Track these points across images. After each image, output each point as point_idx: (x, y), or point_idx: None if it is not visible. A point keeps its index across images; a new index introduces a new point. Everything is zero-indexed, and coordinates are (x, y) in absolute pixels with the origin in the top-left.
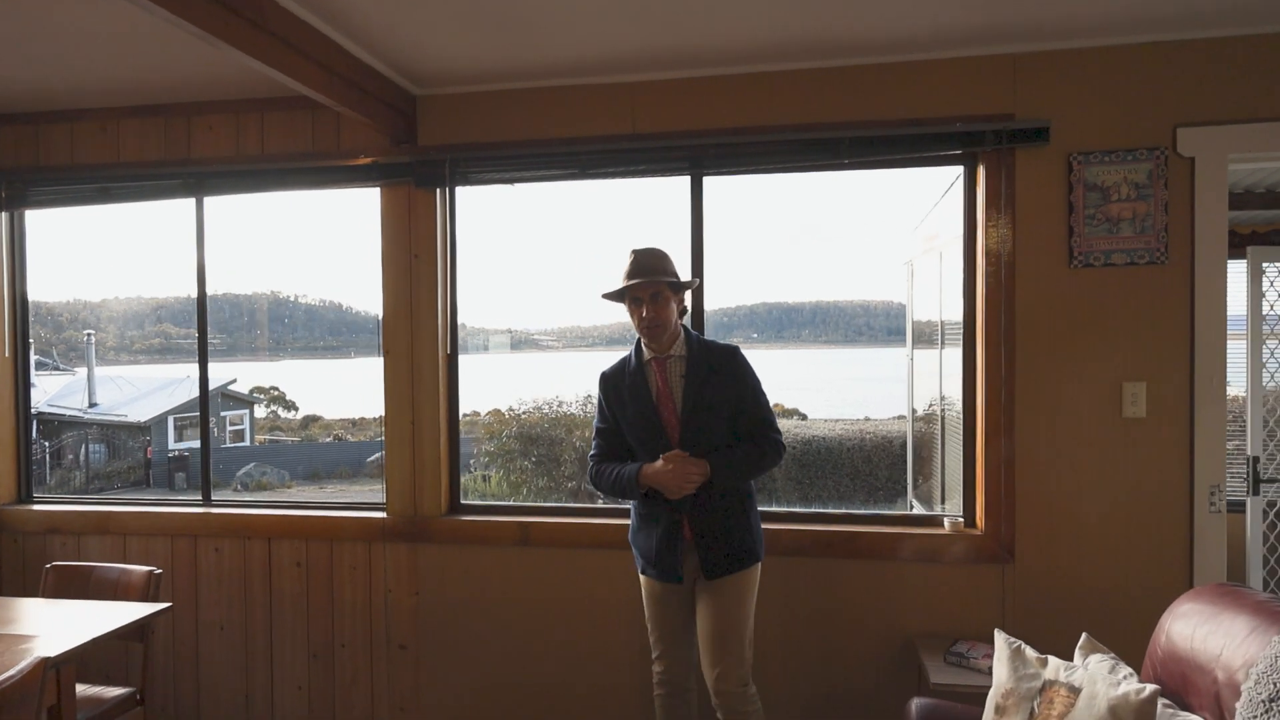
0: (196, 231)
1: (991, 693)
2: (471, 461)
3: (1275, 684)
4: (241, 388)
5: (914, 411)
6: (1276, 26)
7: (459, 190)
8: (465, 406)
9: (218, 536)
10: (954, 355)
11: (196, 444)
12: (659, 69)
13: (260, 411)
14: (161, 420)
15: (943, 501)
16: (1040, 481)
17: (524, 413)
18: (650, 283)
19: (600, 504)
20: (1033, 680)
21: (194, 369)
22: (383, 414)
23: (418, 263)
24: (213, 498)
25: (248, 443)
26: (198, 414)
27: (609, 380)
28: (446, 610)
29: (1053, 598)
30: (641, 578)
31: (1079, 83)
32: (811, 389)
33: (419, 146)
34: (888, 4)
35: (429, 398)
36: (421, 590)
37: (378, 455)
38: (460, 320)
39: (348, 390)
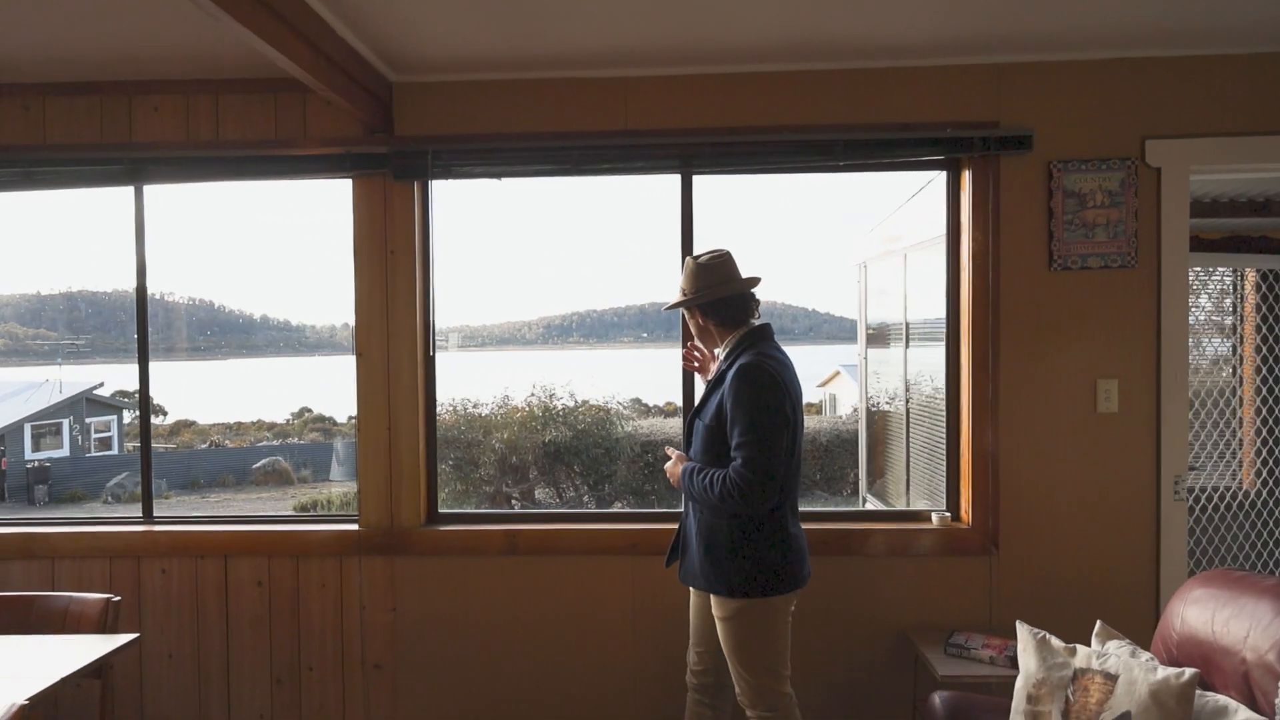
0: (136, 223)
1: (1020, 683)
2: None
3: None
4: (106, 391)
5: (869, 411)
6: (1234, 49)
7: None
8: None
9: (164, 556)
10: (922, 354)
11: (59, 453)
12: (654, 65)
13: (128, 417)
14: (16, 428)
15: (907, 496)
16: (1022, 475)
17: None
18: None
19: (593, 508)
20: (1063, 669)
21: (53, 371)
22: (271, 416)
23: (394, 259)
24: (154, 513)
25: (116, 451)
26: (60, 421)
27: None
28: (426, 627)
29: (1035, 586)
30: None
31: (1058, 93)
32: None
33: (397, 136)
34: (884, 9)
35: (407, 401)
36: (399, 606)
37: (265, 461)
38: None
39: (222, 394)
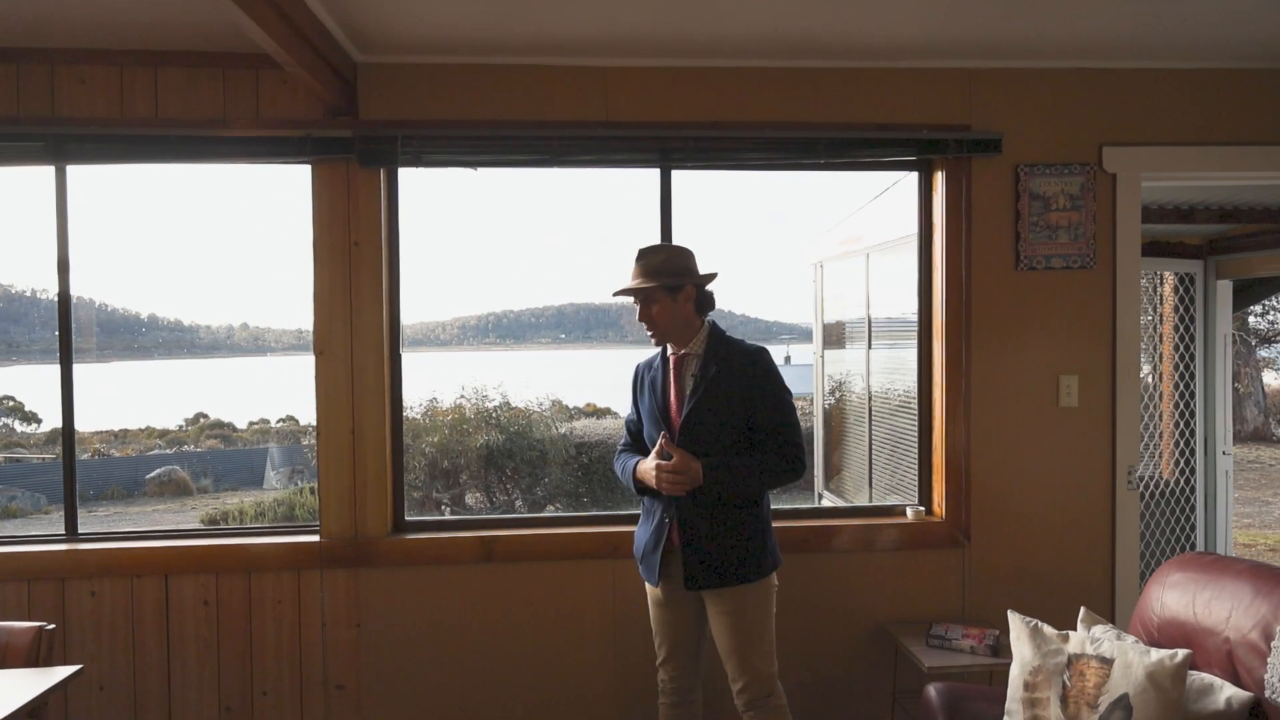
0: (57, 207)
1: (1016, 671)
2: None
3: None
4: None
5: (826, 408)
6: (1183, 64)
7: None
8: (306, 414)
9: (94, 577)
10: (885, 353)
11: None
12: (635, 55)
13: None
14: None
15: (870, 492)
16: (991, 468)
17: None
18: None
19: (571, 512)
20: (1058, 656)
21: None
22: (162, 423)
23: (358, 251)
24: (79, 529)
25: None
26: None
27: (639, 372)
28: (394, 642)
29: (1004, 575)
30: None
31: (1025, 99)
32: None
33: (362, 120)
34: (868, 9)
35: (373, 402)
36: (364, 621)
37: (161, 471)
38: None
39: (105, 399)
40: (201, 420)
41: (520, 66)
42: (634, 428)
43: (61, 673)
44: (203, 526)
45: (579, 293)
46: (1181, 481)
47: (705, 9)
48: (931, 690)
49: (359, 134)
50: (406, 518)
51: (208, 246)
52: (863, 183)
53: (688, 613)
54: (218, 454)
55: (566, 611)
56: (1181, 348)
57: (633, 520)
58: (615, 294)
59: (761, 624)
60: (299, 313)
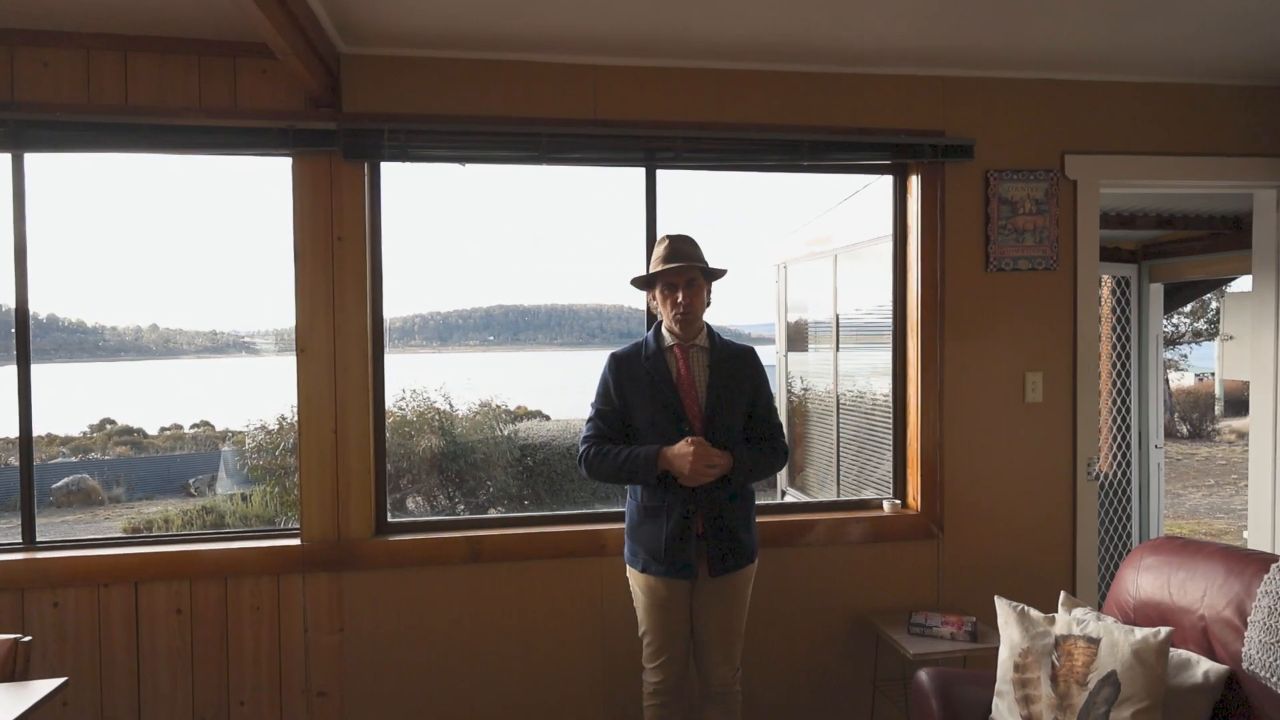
0: (14, 197)
1: (1005, 654)
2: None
3: None
4: None
5: (789, 407)
6: (1140, 77)
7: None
8: (233, 418)
9: (56, 586)
10: (853, 353)
11: None
12: (625, 54)
13: None
14: None
15: (838, 488)
16: (962, 462)
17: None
18: (688, 267)
19: (558, 510)
20: (1046, 638)
21: None
22: (64, 430)
23: (342, 246)
24: (37, 537)
25: None
26: None
27: (622, 361)
28: (379, 646)
29: (976, 563)
30: (641, 578)
31: (995, 107)
32: (559, 390)
33: (347, 112)
34: (854, 16)
35: (356, 401)
36: (347, 626)
37: (68, 480)
38: (223, 323)
39: None
40: (108, 426)
41: (509, 62)
42: (608, 420)
43: (44, 687)
44: (177, 532)
45: (508, 295)
46: (1118, 474)
47: (695, 10)
48: (923, 675)
49: (344, 126)
50: (389, 520)
51: (115, 243)
52: (829, 185)
53: (685, 610)
54: (129, 461)
55: (554, 611)
56: (1118, 347)
57: (615, 518)
58: (634, 282)
59: (746, 606)
60: (215, 313)
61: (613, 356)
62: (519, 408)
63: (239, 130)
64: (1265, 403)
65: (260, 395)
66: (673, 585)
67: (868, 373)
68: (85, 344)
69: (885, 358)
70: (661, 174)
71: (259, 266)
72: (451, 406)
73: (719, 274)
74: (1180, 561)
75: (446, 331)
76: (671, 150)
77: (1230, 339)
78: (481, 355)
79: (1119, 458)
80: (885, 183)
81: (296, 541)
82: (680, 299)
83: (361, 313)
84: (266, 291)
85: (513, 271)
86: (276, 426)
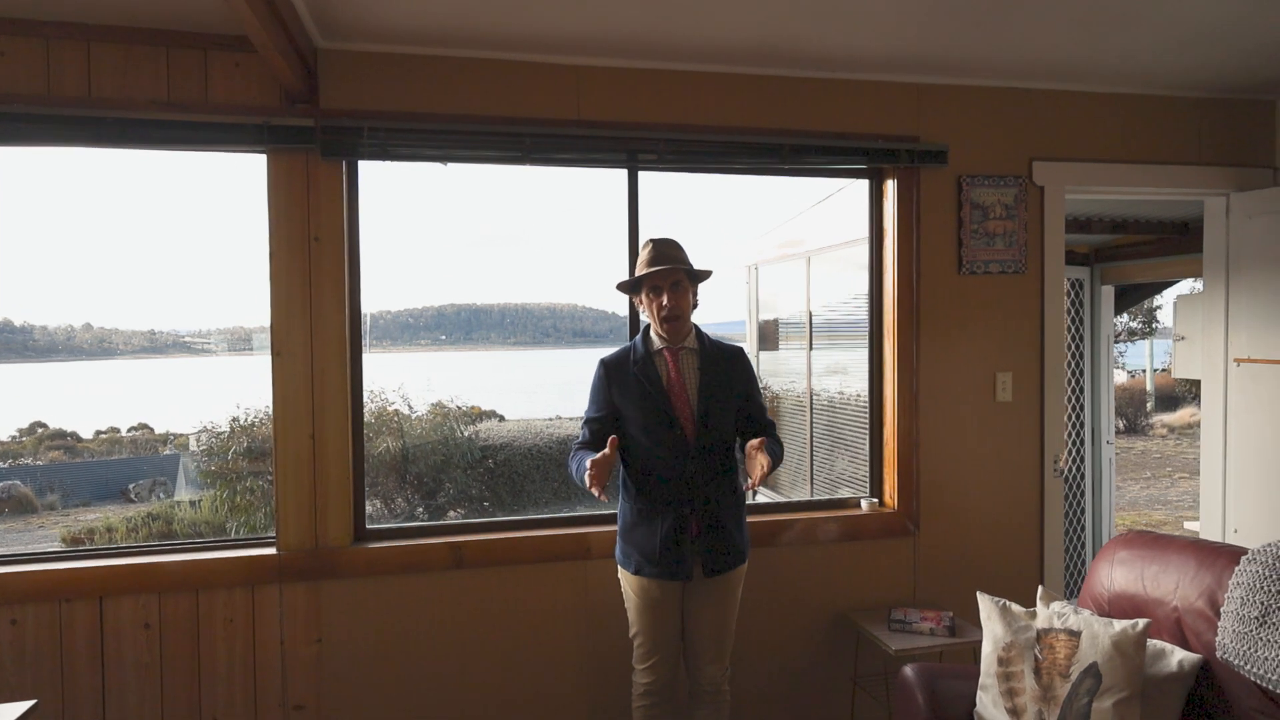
0: None
1: (989, 649)
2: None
3: (1263, 603)
4: None
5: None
6: (1108, 88)
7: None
8: (175, 421)
9: (14, 603)
10: (826, 354)
11: None
12: (608, 55)
13: None
14: None
15: (811, 488)
16: (936, 460)
17: (256, 423)
18: (672, 270)
19: (543, 513)
20: (1027, 631)
21: None
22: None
23: (319, 246)
24: None
25: None
26: None
27: (612, 367)
28: (358, 656)
29: (949, 559)
30: (634, 580)
31: (966, 114)
32: (513, 390)
33: (325, 109)
34: (836, 23)
35: (335, 405)
36: (325, 636)
37: (0, 487)
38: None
39: None
40: (39, 430)
41: (492, 61)
42: (593, 428)
43: (10, 712)
44: (143, 544)
45: (460, 293)
46: (1072, 469)
47: (679, 13)
48: (908, 671)
49: (322, 123)
50: (368, 526)
51: (45, 238)
52: (799, 190)
53: (677, 610)
54: (63, 467)
55: (539, 616)
56: (1072, 347)
57: (603, 521)
58: (620, 286)
59: (738, 606)
60: (154, 312)
61: (602, 363)
62: (473, 408)
63: (212, 125)
64: (1215, 400)
65: (206, 397)
66: (666, 586)
67: (840, 373)
68: (13, 344)
69: (855, 356)
70: (621, 175)
71: (206, 264)
72: (411, 409)
73: (704, 276)
74: (1152, 555)
75: (397, 331)
76: (654, 152)
77: (1182, 339)
78: (434, 355)
79: (1073, 453)
80: (856, 187)
81: (272, 550)
82: (666, 301)
83: (340, 314)
84: (215, 290)
85: (467, 270)
86: (228, 429)
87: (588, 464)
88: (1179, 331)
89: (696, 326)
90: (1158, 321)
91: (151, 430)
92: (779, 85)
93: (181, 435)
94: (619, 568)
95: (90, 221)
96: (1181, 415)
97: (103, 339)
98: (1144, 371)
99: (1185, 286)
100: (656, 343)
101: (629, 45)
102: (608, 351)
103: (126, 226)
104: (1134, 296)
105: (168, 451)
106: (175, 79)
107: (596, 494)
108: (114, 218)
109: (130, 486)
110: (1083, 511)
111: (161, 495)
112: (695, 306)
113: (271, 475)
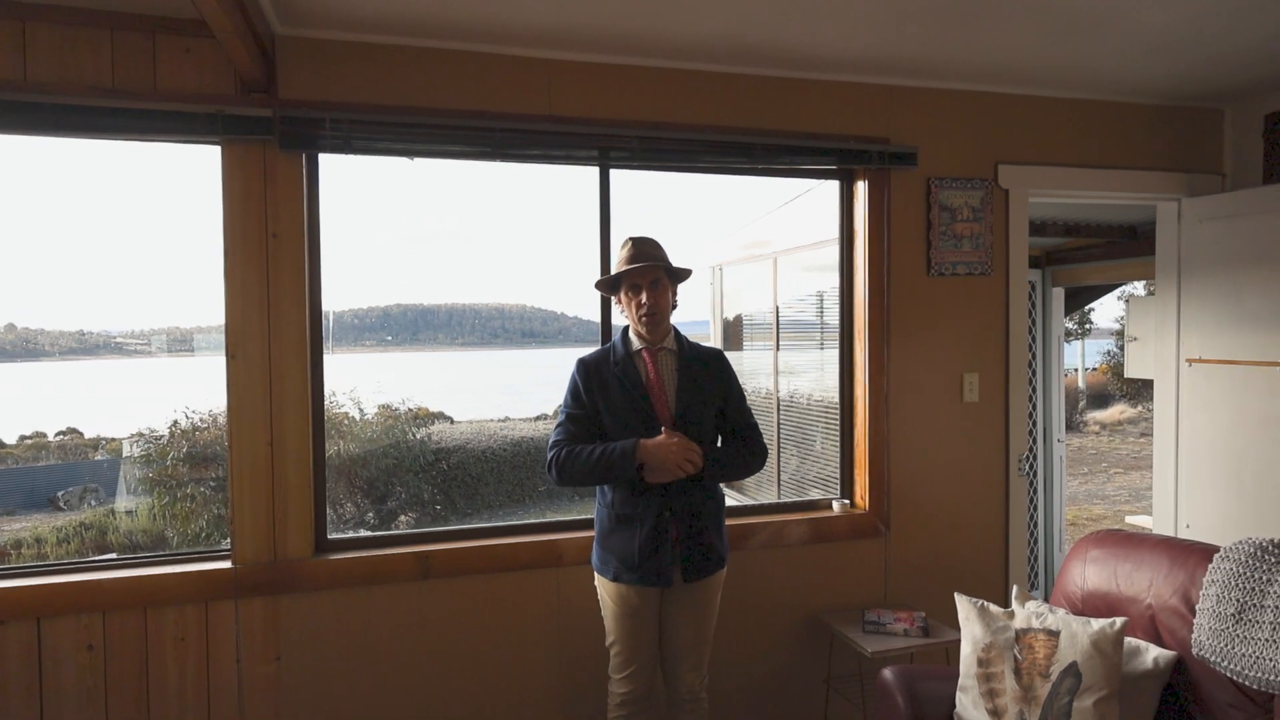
0: None
1: (968, 650)
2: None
3: (1239, 600)
4: None
5: None
6: (1072, 93)
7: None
8: (107, 426)
9: None
10: (792, 355)
11: None
12: (580, 49)
13: None
14: None
15: (779, 490)
16: (906, 460)
17: (199, 428)
18: (650, 267)
19: (502, 518)
20: (1006, 632)
21: None
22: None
23: (277, 244)
24: None
25: None
26: None
27: (590, 367)
28: (320, 674)
29: (919, 559)
30: (612, 587)
31: (936, 117)
32: (459, 391)
33: (282, 99)
34: (809, 22)
35: (294, 410)
36: (284, 654)
37: None
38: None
39: None
40: None
41: (461, 53)
42: (579, 423)
43: None
44: (85, 559)
45: (406, 294)
46: (1027, 465)
47: (652, 7)
48: (887, 674)
49: (280, 113)
50: (329, 537)
51: None
52: (765, 191)
53: (654, 617)
54: None
55: (511, 626)
56: (1030, 348)
57: (575, 527)
58: (598, 284)
59: (716, 612)
60: (83, 312)
61: (580, 362)
62: (421, 409)
63: (160, 114)
64: (1168, 399)
65: (141, 400)
66: (645, 593)
67: (806, 374)
68: None
69: (820, 357)
70: (589, 172)
71: (142, 261)
72: (362, 412)
73: (684, 275)
74: (1125, 553)
75: (342, 332)
76: (627, 150)
77: (1135, 340)
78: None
79: (1030, 451)
80: (823, 189)
81: (227, 564)
82: (645, 299)
83: (300, 315)
84: (152, 289)
85: (413, 269)
86: (167, 434)
87: (673, 443)
88: (1132, 332)
89: (676, 328)
90: (1090, 323)
91: (81, 435)
92: (753, 84)
93: (114, 440)
94: (596, 575)
95: (16, 214)
96: (1112, 413)
97: (28, 339)
98: (1076, 370)
99: (1127, 289)
100: (635, 343)
101: (602, 40)
102: (585, 351)
103: (57, 220)
104: (1084, 298)
105: (99, 457)
106: (120, 63)
107: (690, 471)
108: (43, 211)
109: (60, 494)
110: (1035, 507)
111: (93, 503)
112: (675, 307)
113: (214, 482)
